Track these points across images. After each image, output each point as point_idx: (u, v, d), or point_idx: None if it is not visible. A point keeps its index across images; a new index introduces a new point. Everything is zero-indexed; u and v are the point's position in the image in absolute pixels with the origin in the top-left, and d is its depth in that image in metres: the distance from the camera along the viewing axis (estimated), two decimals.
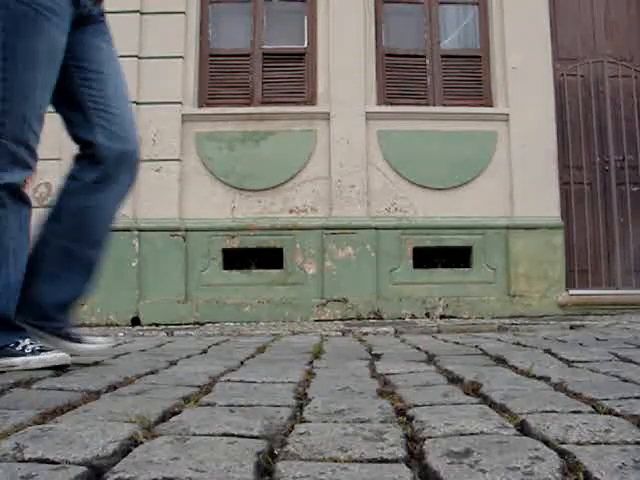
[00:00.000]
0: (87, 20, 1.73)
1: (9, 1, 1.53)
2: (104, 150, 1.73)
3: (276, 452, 0.82)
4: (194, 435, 0.89)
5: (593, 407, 1.05)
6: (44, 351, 1.62)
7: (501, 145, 4.94)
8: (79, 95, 1.73)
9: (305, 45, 5.13)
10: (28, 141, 1.62)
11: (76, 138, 1.79)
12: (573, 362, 1.68)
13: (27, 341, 1.62)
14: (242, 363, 1.80)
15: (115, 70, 1.80)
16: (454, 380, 1.42)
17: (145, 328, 4.10)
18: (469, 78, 5.13)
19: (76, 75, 1.72)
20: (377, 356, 1.97)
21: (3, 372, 1.54)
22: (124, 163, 1.76)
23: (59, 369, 1.60)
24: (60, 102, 1.76)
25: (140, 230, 4.63)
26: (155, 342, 2.74)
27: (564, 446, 0.80)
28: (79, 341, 1.75)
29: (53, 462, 0.75)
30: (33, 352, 1.60)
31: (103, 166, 1.74)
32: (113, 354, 2.06)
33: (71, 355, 1.67)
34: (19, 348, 1.60)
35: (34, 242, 1.73)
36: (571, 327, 3.38)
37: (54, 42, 1.60)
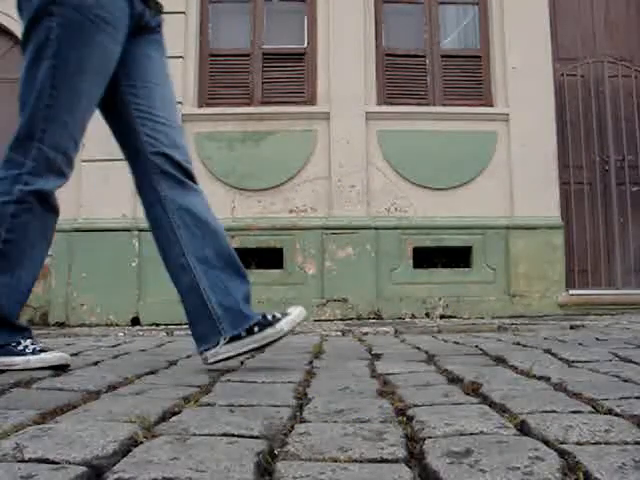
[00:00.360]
0: (144, 30, 1.73)
1: (66, 10, 1.53)
2: (150, 157, 1.70)
3: (276, 452, 0.82)
4: (194, 435, 0.89)
5: (593, 407, 1.05)
6: (44, 351, 1.63)
7: (501, 145, 4.94)
8: (124, 103, 1.71)
9: (305, 45, 5.13)
10: (67, 150, 1.61)
11: (123, 146, 1.77)
12: (573, 362, 1.68)
13: (28, 341, 1.63)
14: (242, 363, 1.80)
15: (163, 80, 1.78)
16: (454, 380, 1.42)
17: (145, 328, 4.10)
18: (469, 78, 5.13)
19: (123, 83, 1.70)
20: (377, 356, 1.97)
21: (3, 371, 1.54)
22: (176, 169, 1.71)
23: (59, 369, 1.60)
24: (105, 109, 1.75)
25: (140, 230, 4.63)
26: (155, 342, 2.74)
27: (564, 446, 0.80)
28: None
29: (53, 462, 0.75)
30: (33, 352, 1.60)
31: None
32: (113, 354, 2.06)
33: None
34: (20, 348, 1.60)
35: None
36: (571, 327, 3.38)
37: (107, 54, 1.60)
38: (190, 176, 1.73)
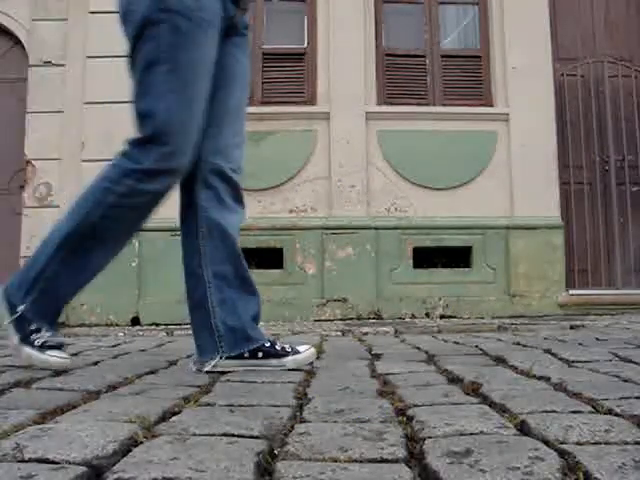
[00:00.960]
0: (231, 31, 1.72)
1: (171, 16, 1.54)
2: (201, 164, 1.69)
3: (276, 452, 0.82)
4: (194, 435, 0.89)
5: (593, 407, 1.05)
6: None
7: (501, 145, 4.94)
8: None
9: (305, 45, 5.13)
10: (187, 152, 1.61)
11: None
12: (573, 362, 1.68)
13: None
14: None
15: (243, 85, 1.79)
16: (454, 380, 1.42)
17: (145, 328, 4.10)
18: (469, 78, 5.13)
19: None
20: (377, 356, 1.97)
21: (3, 371, 1.54)
22: (220, 181, 1.71)
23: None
24: None
25: (140, 230, 4.63)
26: (155, 342, 2.74)
27: (564, 446, 0.80)
28: None
29: (53, 462, 0.75)
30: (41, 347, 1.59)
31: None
32: (113, 354, 2.06)
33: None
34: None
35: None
36: (571, 327, 3.38)
37: (210, 54, 1.61)
38: (235, 192, 1.73)
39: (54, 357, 1.59)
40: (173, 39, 1.55)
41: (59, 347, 1.62)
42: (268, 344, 1.65)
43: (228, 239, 1.68)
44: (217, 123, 1.70)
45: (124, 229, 1.67)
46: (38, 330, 1.57)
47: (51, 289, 1.60)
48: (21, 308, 1.57)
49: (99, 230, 1.60)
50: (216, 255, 1.66)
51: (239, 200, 1.74)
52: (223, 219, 1.68)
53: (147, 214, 1.67)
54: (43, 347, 1.57)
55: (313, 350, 1.70)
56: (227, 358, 1.61)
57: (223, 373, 1.56)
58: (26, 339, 1.57)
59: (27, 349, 1.56)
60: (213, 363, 1.60)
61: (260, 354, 1.62)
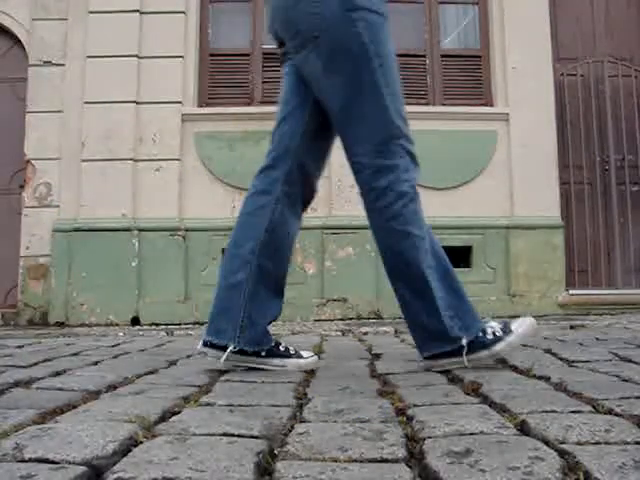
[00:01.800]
0: None
1: (363, 13, 1.55)
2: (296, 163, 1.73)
3: (276, 452, 0.81)
4: (194, 435, 0.89)
5: (593, 407, 1.05)
6: (299, 354, 1.66)
7: (501, 145, 4.94)
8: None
9: None
10: (412, 139, 1.66)
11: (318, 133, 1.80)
12: (573, 362, 1.68)
13: (492, 323, 1.62)
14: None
15: None
16: (454, 380, 1.42)
17: (145, 328, 4.10)
18: (469, 78, 5.13)
19: None
20: (377, 356, 1.97)
21: (3, 371, 1.54)
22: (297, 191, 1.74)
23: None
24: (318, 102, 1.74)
25: (140, 230, 4.63)
26: (155, 342, 2.74)
27: (564, 446, 0.80)
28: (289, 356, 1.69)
29: (53, 462, 0.75)
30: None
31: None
32: (113, 354, 2.06)
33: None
34: (490, 335, 1.58)
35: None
36: (571, 327, 3.38)
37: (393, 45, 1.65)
38: (307, 203, 1.79)
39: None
40: (373, 33, 1.57)
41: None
42: (272, 344, 1.66)
43: (286, 239, 1.73)
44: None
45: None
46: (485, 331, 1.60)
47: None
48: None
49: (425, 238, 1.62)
50: (268, 250, 1.67)
51: (304, 210, 1.80)
52: (288, 222, 1.72)
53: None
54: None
55: (316, 358, 1.71)
56: (235, 352, 1.60)
57: (223, 373, 1.56)
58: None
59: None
60: (226, 354, 1.59)
61: (263, 352, 1.63)
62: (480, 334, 1.57)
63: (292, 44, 1.65)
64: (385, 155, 1.60)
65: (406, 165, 1.61)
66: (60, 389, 1.31)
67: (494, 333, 1.58)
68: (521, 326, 1.60)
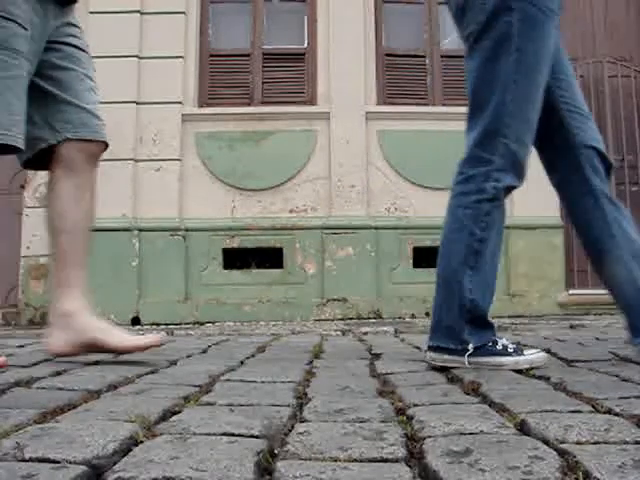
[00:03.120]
0: None
1: (523, 4, 1.53)
2: (583, 150, 1.70)
3: (276, 451, 0.82)
4: (194, 434, 0.89)
5: (593, 407, 1.05)
6: (523, 351, 1.59)
7: None
8: (554, 96, 1.70)
9: (305, 45, 5.13)
10: (527, 145, 1.62)
11: (549, 139, 1.74)
12: (573, 362, 1.68)
13: (504, 340, 1.59)
14: (242, 363, 1.80)
15: (571, 71, 1.77)
16: (454, 380, 1.43)
17: (145, 328, 4.10)
18: None
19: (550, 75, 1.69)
20: (377, 356, 1.97)
21: (4, 371, 1.54)
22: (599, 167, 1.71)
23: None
24: None
25: (140, 230, 4.63)
26: None
27: (564, 446, 0.80)
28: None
29: (53, 461, 0.75)
30: (515, 352, 1.56)
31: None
32: (113, 354, 2.06)
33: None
34: (499, 347, 1.56)
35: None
36: (571, 327, 3.38)
37: (551, 45, 1.61)
38: (609, 172, 1.75)
39: (536, 356, 1.58)
40: (524, 27, 1.54)
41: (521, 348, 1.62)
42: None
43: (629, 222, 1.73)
44: (579, 112, 1.72)
45: (499, 231, 1.65)
46: (495, 342, 1.58)
47: (477, 309, 1.58)
48: (470, 345, 1.57)
49: (485, 241, 1.60)
50: (625, 239, 1.69)
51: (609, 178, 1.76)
52: (614, 199, 1.72)
53: (504, 211, 1.68)
54: (518, 350, 1.57)
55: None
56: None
57: (223, 373, 1.56)
58: (503, 351, 1.57)
59: (511, 359, 1.56)
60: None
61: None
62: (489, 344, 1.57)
63: (461, 29, 1.66)
64: (484, 147, 1.59)
65: (502, 166, 1.58)
66: (61, 389, 1.31)
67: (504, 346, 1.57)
68: (532, 355, 1.58)
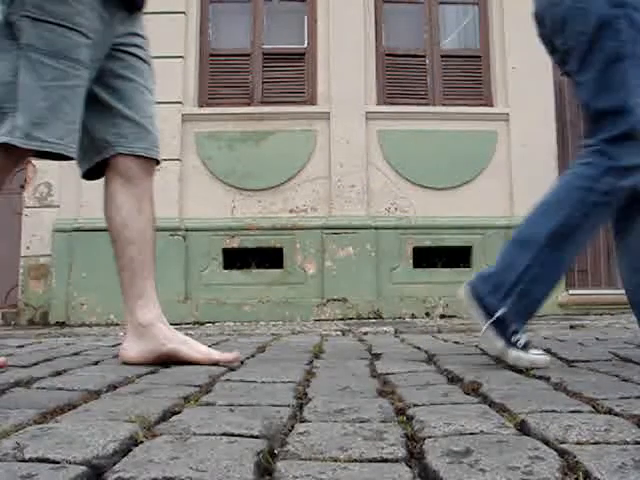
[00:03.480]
0: None
1: (627, 10, 1.54)
2: None
3: (276, 452, 0.82)
4: (194, 435, 0.89)
5: (593, 407, 1.05)
6: (529, 349, 1.57)
7: (501, 145, 4.94)
8: None
9: (305, 45, 5.13)
10: None
11: None
12: (573, 362, 1.68)
13: (523, 335, 1.57)
14: (242, 363, 1.80)
15: None
16: (454, 380, 1.42)
17: None
18: (469, 78, 5.13)
19: None
20: (377, 356, 1.97)
21: (4, 371, 1.54)
22: None
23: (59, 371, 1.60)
24: None
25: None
26: None
27: (564, 446, 0.80)
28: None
29: (53, 461, 0.75)
30: (524, 347, 1.54)
31: None
32: (113, 354, 2.06)
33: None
34: (514, 337, 1.54)
35: None
36: (571, 327, 3.38)
37: None
38: None
39: (538, 356, 1.56)
40: (632, 33, 1.54)
41: (529, 346, 1.59)
42: None
43: None
44: None
45: (595, 227, 1.64)
46: (516, 332, 1.55)
47: (529, 291, 1.57)
48: (501, 312, 1.54)
49: (577, 229, 1.58)
50: None
51: None
52: None
53: (612, 211, 1.65)
54: (526, 348, 1.55)
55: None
56: None
57: (223, 373, 1.56)
58: (509, 342, 1.55)
59: (514, 352, 1.54)
60: None
61: None
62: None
63: (559, 42, 1.66)
64: (618, 146, 1.56)
65: (630, 166, 1.55)
66: (60, 389, 1.31)
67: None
68: (536, 355, 1.57)
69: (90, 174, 1.83)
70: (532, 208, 1.64)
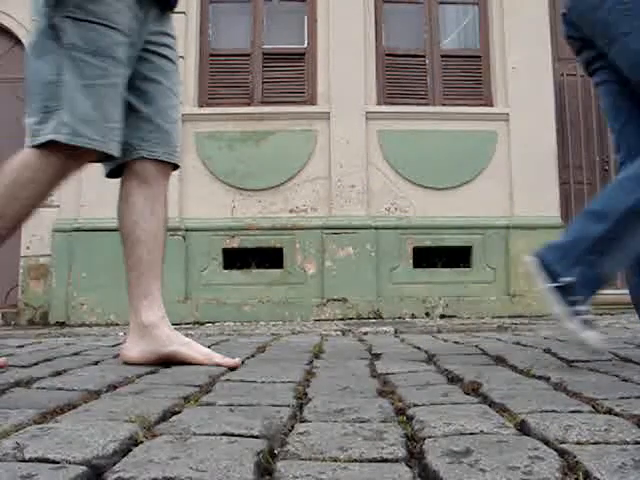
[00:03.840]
0: None
1: None
2: None
3: (276, 452, 0.82)
4: (194, 435, 0.89)
5: (593, 407, 1.05)
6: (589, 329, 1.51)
7: (501, 145, 4.94)
8: None
9: (305, 45, 5.13)
10: None
11: None
12: (573, 362, 1.68)
13: (588, 310, 1.53)
14: (242, 362, 1.80)
15: None
16: (454, 380, 1.42)
17: None
18: (469, 78, 5.13)
19: None
20: (377, 356, 1.97)
21: (4, 371, 1.54)
22: None
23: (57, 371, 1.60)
24: None
25: None
26: None
27: (564, 446, 0.80)
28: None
29: (53, 461, 0.75)
30: (585, 323, 1.48)
31: None
32: (113, 354, 2.06)
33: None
34: (580, 309, 1.49)
35: None
36: None
37: None
38: None
39: (594, 338, 1.51)
40: None
41: (592, 325, 1.53)
42: None
43: None
44: None
45: None
46: (580, 302, 1.50)
47: (599, 263, 1.52)
48: (567, 280, 1.49)
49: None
50: None
51: None
52: None
53: None
54: (585, 324, 1.49)
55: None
56: None
57: (223, 373, 1.56)
58: (571, 313, 1.49)
59: (571, 324, 1.49)
60: None
61: None
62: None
63: (602, 43, 1.63)
64: None
65: None
66: (60, 389, 1.31)
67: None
68: (592, 335, 1.51)
69: (111, 173, 1.83)
70: (612, 181, 1.61)
